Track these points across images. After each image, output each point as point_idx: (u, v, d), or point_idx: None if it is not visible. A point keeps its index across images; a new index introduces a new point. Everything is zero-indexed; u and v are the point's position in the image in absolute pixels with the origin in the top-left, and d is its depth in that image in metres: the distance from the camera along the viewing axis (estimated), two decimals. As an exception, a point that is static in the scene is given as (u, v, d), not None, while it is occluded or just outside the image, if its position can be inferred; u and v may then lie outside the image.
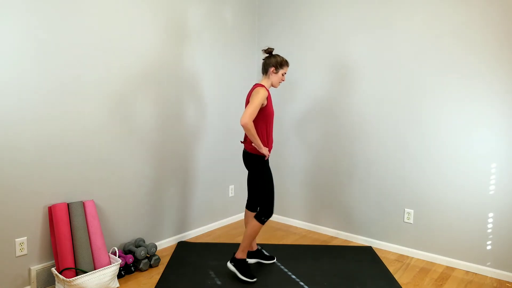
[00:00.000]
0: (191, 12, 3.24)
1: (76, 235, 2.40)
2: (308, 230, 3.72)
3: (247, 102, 2.61)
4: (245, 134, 2.61)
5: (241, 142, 2.69)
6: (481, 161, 2.78)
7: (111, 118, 2.72)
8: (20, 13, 2.20)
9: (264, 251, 2.94)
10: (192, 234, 3.47)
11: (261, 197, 2.59)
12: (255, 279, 2.59)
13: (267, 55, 2.66)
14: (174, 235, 3.31)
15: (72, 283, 2.23)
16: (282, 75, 2.62)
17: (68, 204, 2.47)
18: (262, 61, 2.69)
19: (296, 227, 3.81)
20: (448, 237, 2.96)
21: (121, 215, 2.86)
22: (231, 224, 3.87)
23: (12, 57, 2.19)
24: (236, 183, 3.94)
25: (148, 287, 2.52)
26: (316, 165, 3.67)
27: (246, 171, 4.04)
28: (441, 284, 2.65)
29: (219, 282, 2.57)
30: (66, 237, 2.35)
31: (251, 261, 2.88)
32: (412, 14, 3.01)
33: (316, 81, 3.59)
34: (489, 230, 2.78)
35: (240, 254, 2.62)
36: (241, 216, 4.04)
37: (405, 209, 3.15)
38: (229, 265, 2.64)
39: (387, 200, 3.24)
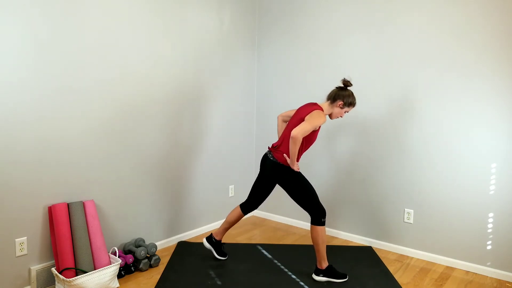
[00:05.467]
0: (190, 14, 3.24)
1: (76, 235, 2.40)
2: (308, 230, 3.72)
3: (299, 116, 2.52)
4: (280, 145, 2.59)
5: (270, 148, 2.64)
6: (481, 161, 2.78)
7: (111, 118, 2.72)
8: (21, 14, 2.20)
9: (223, 247, 2.96)
10: (192, 234, 3.47)
11: (305, 202, 2.55)
12: (347, 276, 2.63)
13: (343, 86, 2.60)
14: (174, 235, 3.31)
15: (72, 283, 2.23)
16: (345, 112, 2.60)
17: (68, 204, 2.47)
18: (334, 88, 2.63)
19: (296, 227, 3.81)
20: (448, 237, 2.96)
21: (121, 215, 2.86)
22: (231, 224, 3.87)
23: (12, 57, 2.18)
24: (236, 183, 3.94)
25: (148, 287, 2.52)
26: (315, 165, 3.66)
27: (247, 171, 4.05)
28: (441, 284, 2.65)
29: (219, 282, 2.57)
30: (66, 237, 2.35)
31: (207, 245, 2.88)
32: (412, 13, 3.01)
33: (315, 81, 3.59)
34: (489, 230, 2.78)
35: (323, 264, 2.59)
36: (241, 216, 4.03)
37: (405, 209, 3.15)
38: (318, 278, 2.62)
39: (387, 200, 3.24)
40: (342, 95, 2.54)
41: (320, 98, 3.57)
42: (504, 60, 2.65)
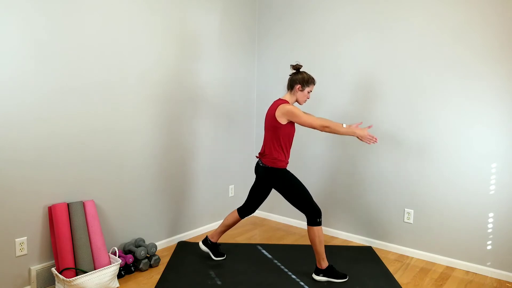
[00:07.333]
0: (190, 15, 3.24)
1: (76, 235, 2.40)
2: (308, 230, 3.72)
3: (270, 113, 2.56)
4: (264, 150, 2.62)
5: (257, 156, 2.68)
6: (481, 161, 2.78)
7: (111, 118, 2.72)
8: (21, 14, 2.20)
9: (220, 248, 2.97)
10: (192, 234, 3.47)
11: (300, 203, 2.56)
12: (347, 276, 2.64)
13: (294, 71, 2.64)
14: (174, 235, 3.31)
15: (72, 283, 2.23)
16: (308, 92, 2.61)
17: (68, 204, 2.47)
18: (288, 76, 2.66)
19: (296, 227, 3.81)
20: (448, 237, 2.96)
21: (121, 215, 2.86)
22: (231, 224, 3.86)
23: (12, 57, 2.18)
24: (236, 183, 3.94)
25: (148, 287, 2.52)
26: (315, 165, 3.66)
27: (247, 171, 4.04)
28: (441, 284, 2.65)
29: (219, 282, 2.57)
30: (66, 237, 2.35)
31: (203, 248, 2.90)
32: (412, 13, 3.01)
33: (316, 81, 3.59)
34: (489, 230, 2.78)
35: (323, 264, 2.60)
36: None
37: (405, 209, 3.15)
38: (318, 278, 2.62)
39: (387, 200, 3.24)
40: (297, 79, 2.59)
41: (319, 97, 3.57)
42: (504, 60, 2.65)
